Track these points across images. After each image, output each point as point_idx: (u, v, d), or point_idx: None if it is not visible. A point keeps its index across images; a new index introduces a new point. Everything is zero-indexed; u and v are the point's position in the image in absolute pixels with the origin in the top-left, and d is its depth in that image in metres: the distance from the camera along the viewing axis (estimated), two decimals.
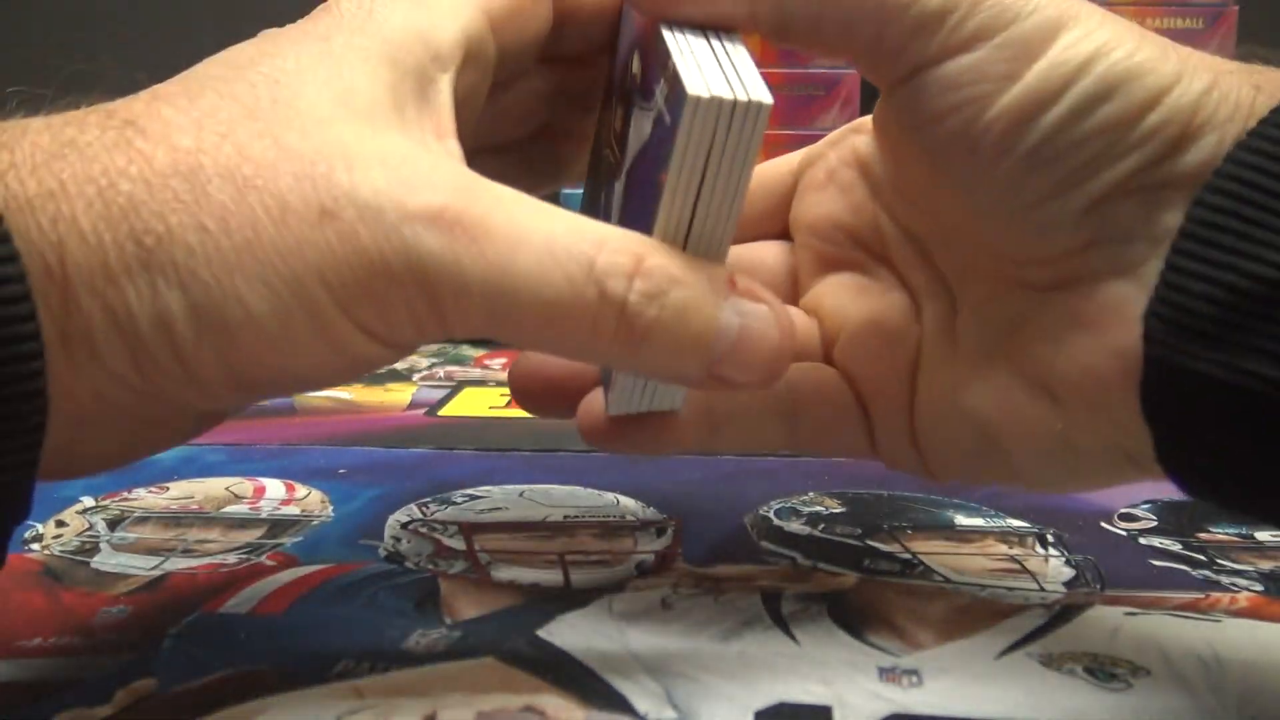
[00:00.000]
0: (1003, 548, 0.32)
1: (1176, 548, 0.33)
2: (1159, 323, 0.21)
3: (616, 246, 0.20)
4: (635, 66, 0.24)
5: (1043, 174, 0.22)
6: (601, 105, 0.28)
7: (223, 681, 0.24)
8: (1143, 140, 0.21)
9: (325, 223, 0.19)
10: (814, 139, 0.29)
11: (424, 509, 0.36)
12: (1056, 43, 0.21)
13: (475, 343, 0.64)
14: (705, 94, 0.20)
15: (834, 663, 0.25)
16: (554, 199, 0.22)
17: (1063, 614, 0.27)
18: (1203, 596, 0.29)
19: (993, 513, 0.35)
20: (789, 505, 0.36)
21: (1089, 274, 0.23)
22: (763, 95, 0.20)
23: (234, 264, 0.19)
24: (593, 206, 0.28)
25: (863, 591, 0.29)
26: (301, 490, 0.38)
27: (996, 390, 0.25)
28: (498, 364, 0.60)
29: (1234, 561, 0.31)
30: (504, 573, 0.30)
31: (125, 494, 0.37)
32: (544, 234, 0.20)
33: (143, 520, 0.35)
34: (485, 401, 0.51)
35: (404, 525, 0.34)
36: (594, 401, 0.26)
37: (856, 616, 0.27)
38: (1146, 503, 0.36)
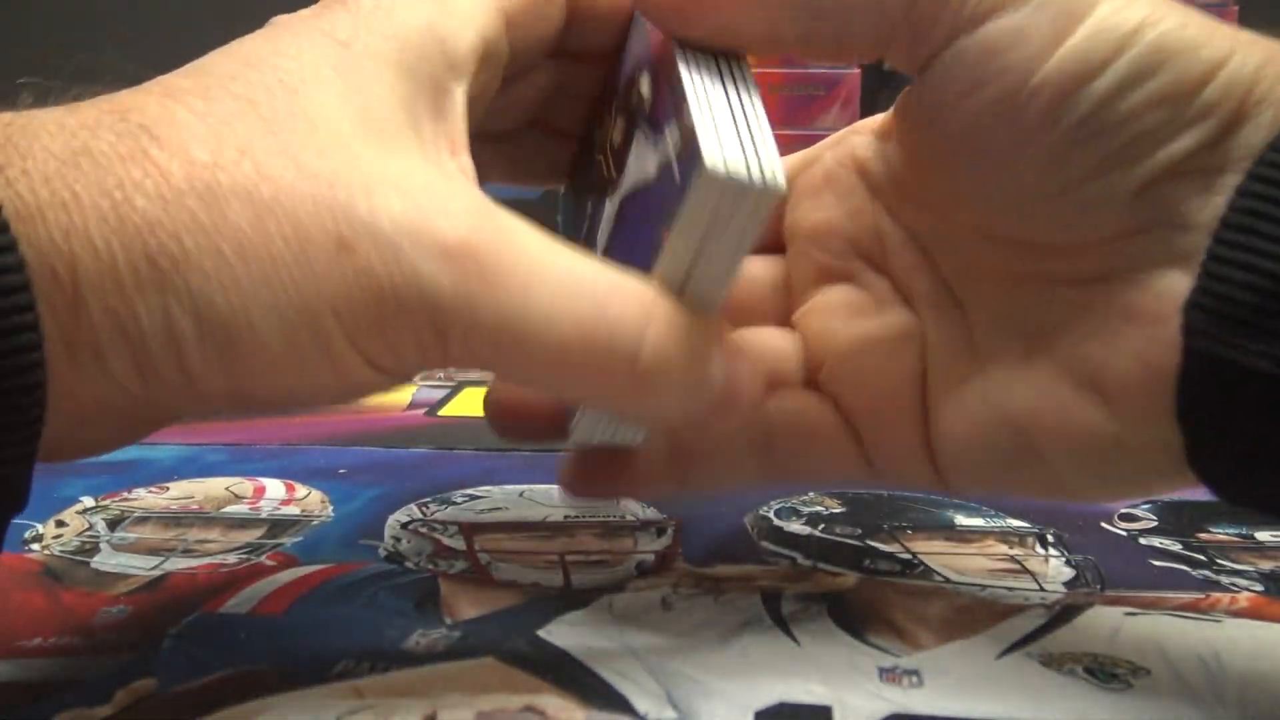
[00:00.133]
0: (1003, 548, 0.32)
1: (1177, 548, 0.33)
2: (1200, 313, 0.20)
3: (627, 295, 0.20)
4: (645, 88, 0.24)
5: (1091, 148, 0.21)
6: (598, 106, 0.28)
7: (223, 681, 0.24)
8: (1199, 116, 0.20)
9: (343, 255, 0.19)
10: (814, 139, 0.29)
11: (424, 509, 0.36)
12: (1098, 7, 0.20)
13: None
14: (721, 170, 0.19)
15: (834, 663, 0.25)
16: (554, 199, 0.22)
17: (1063, 614, 0.27)
18: (1203, 597, 0.29)
19: (993, 513, 0.35)
20: (789, 505, 0.36)
21: (1140, 263, 0.22)
22: (778, 181, 0.20)
23: (249, 293, 0.19)
24: (578, 213, 0.28)
25: (863, 591, 0.29)
26: (301, 490, 0.38)
27: (1038, 393, 0.24)
28: None
29: (1234, 561, 0.31)
30: (504, 573, 0.30)
31: (125, 494, 0.37)
32: (556, 275, 0.20)
33: (143, 520, 0.35)
34: None
35: (404, 525, 0.34)
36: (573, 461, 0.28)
37: (857, 616, 0.27)
38: (1146, 503, 0.36)
